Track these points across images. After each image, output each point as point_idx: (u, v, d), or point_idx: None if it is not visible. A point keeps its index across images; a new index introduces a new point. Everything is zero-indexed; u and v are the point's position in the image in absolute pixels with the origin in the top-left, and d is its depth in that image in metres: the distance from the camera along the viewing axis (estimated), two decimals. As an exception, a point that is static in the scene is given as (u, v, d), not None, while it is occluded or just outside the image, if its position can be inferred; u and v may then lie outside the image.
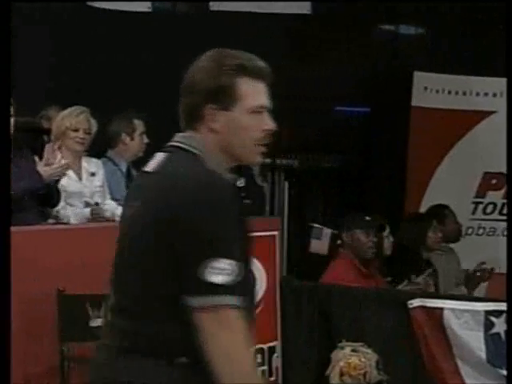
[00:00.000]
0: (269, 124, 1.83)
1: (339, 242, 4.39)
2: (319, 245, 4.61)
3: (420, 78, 6.02)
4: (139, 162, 4.47)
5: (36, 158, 3.76)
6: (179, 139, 1.83)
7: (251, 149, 1.82)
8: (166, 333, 1.72)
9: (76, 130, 4.07)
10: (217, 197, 1.69)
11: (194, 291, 1.66)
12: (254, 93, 1.81)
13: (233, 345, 1.66)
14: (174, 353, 1.71)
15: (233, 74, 1.80)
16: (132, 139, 4.47)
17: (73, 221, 3.89)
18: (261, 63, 1.84)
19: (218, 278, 1.65)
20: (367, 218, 4.35)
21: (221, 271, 1.65)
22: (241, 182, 4.56)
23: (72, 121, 4.06)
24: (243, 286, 1.70)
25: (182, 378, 1.71)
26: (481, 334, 3.55)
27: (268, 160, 6.10)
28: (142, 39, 5.33)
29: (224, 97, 1.79)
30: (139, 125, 4.48)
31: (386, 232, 4.44)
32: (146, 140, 4.48)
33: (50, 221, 3.81)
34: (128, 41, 5.29)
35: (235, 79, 1.80)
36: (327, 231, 4.72)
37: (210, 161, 1.79)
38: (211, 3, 5.42)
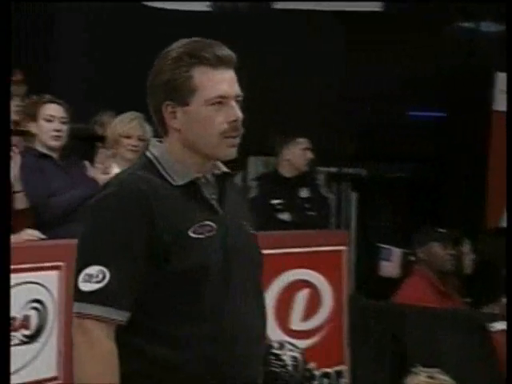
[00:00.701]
0: (234, 114, 1.78)
1: (412, 258, 4.30)
2: (389, 267, 4.52)
3: (503, 80, 5.87)
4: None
5: (87, 164, 3.79)
6: (149, 146, 1.87)
7: (217, 143, 1.78)
8: None
9: (128, 137, 4.09)
10: (104, 205, 1.73)
11: (74, 297, 1.73)
12: (212, 82, 1.76)
13: (80, 354, 1.69)
14: None
15: (187, 64, 1.77)
16: None
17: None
18: (221, 50, 1.79)
19: (85, 286, 1.69)
20: (441, 230, 4.26)
21: (89, 278, 1.69)
22: (304, 193, 4.53)
23: (124, 127, 4.08)
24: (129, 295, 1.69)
25: None
26: None
27: (334, 169, 6.06)
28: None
29: (179, 91, 1.76)
30: None
31: (466, 248, 4.32)
32: None
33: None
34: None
35: (189, 70, 1.76)
36: (397, 251, 4.62)
37: (172, 164, 1.79)
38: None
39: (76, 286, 1.71)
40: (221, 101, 1.77)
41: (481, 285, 4.45)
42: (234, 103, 1.79)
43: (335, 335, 3.72)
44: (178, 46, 1.80)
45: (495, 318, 3.66)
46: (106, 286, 1.68)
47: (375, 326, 3.87)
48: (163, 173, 1.79)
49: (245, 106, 1.84)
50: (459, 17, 6.58)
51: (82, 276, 1.70)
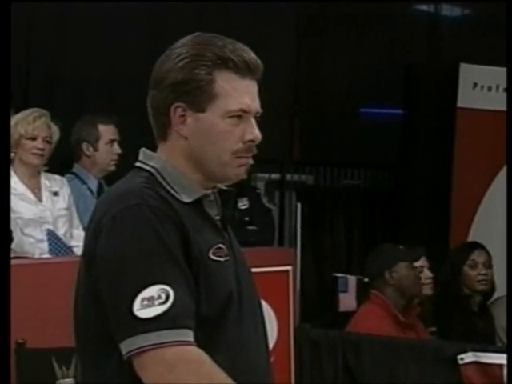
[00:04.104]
0: (252, 133, 1.81)
1: (365, 280, 4.36)
2: (347, 299, 4.58)
3: (468, 73, 6.01)
4: (115, 179, 4.46)
5: None
6: (140, 155, 1.87)
7: (228, 162, 1.80)
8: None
9: (33, 139, 4.05)
10: (136, 215, 1.71)
11: (123, 334, 1.67)
12: (237, 93, 1.80)
13: None
14: None
15: (210, 65, 1.78)
16: (96, 150, 4.45)
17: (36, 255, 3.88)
18: (249, 55, 1.82)
19: (147, 312, 1.65)
20: (400, 247, 4.33)
21: (150, 302, 1.66)
22: (244, 204, 4.55)
23: (28, 127, 4.04)
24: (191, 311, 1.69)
25: None
26: (551, 397, 3.51)
27: (276, 175, 6.10)
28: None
29: (196, 94, 1.78)
30: (106, 132, 4.46)
31: (425, 265, 4.40)
32: (117, 150, 4.47)
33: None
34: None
35: (212, 73, 1.79)
36: (352, 279, 4.68)
37: (176, 178, 1.80)
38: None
39: (131, 317, 1.65)
40: (241, 115, 1.80)
41: (442, 310, 4.53)
42: (253, 121, 1.82)
43: (281, 369, 3.75)
44: (196, 42, 1.81)
45: (464, 349, 3.73)
46: (174, 304, 1.66)
47: (328, 359, 3.91)
48: (168, 188, 1.79)
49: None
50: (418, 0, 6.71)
51: (138, 303, 1.65)
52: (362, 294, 4.43)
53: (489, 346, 4.02)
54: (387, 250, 4.33)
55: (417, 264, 4.30)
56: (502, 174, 5.96)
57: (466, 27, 6.55)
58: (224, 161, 1.80)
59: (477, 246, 4.77)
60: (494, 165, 5.98)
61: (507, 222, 5.26)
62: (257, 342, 1.87)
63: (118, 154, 4.48)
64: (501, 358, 3.65)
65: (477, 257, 4.64)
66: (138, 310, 1.65)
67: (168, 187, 1.79)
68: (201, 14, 5.43)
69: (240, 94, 1.80)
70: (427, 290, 4.41)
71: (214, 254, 1.78)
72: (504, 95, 5.91)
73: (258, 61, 1.83)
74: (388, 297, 4.15)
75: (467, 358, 3.69)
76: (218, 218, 1.86)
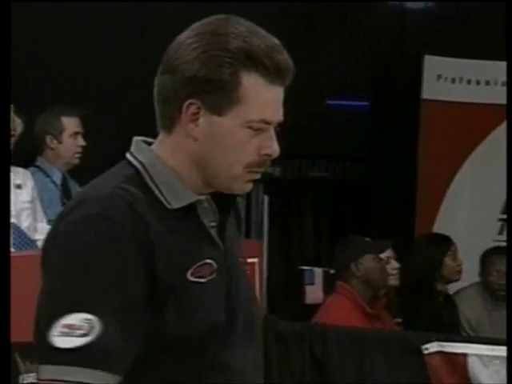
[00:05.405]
0: (270, 148, 1.61)
1: (332, 271, 4.38)
2: (314, 292, 4.59)
3: (432, 64, 6.05)
4: (79, 172, 4.43)
5: None
6: (132, 145, 1.65)
7: (238, 176, 1.60)
8: None
9: (-3, 133, 4.01)
10: (85, 229, 1.52)
11: (37, 356, 1.52)
12: (262, 101, 1.59)
13: None
14: None
15: (236, 64, 1.56)
16: (60, 142, 4.42)
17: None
18: (281, 55, 1.59)
19: (62, 341, 1.47)
20: (367, 239, 4.35)
21: (70, 331, 1.47)
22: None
23: (-9, 120, 4.00)
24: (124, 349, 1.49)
25: None
26: (515, 386, 3.55)
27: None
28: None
29: (216, 95, 1.57)
30: (70, 124, 4.44)
31: (392, 256, 4.44)
32: (81, 142, 4.45)
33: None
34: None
35: (238, 74, 1.57)
36: (318, 271, 4.69)
37: (165, 178, 1.59)
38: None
39: (46, 341, 1.48)
40: (262, 127, 1.59)
41: (413, 301, 4.57)
42: (273, 133, 1.61)
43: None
44: (221, 31, 1.58)
45: (429, 339, 3.76)
46: (96, 340, 1.46)
47: (295, 351, 3.92)
48: (155, 189, 1.58)
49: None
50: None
51: (57, 328, 1.47)
52: (329, 286, 4.45)
53: (453, 336, 4.07)
54: (354, 242, 4.35)
55: (383, 255, 4.31)
56: (467, 166, 6.01)
57: (431, 19, 6.58)
58: (234, 174, 1.59)
59: (448, 237, 4.86)
60: (459, 156, 6.03)
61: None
62: (246, 367, 1.64)
63: (82, 147, 4.46)
64: (465, 348, 3.70)
65: (454, 248, 4.73)
66: (54, 335, 1.47)
67: (154, 188, 1.59)
68: (186, 14, 5.40)
69: (265, 103, 1.58)
70: (394, 281, 4.44)
71: (193, 274, 1.56)
72: (468, 87, 5.99)
73: (290, 63, 1.60)
74: (355, 288, 4.17)
75: (432, 347, 3.72)
76: (213, 224, 1.63)
